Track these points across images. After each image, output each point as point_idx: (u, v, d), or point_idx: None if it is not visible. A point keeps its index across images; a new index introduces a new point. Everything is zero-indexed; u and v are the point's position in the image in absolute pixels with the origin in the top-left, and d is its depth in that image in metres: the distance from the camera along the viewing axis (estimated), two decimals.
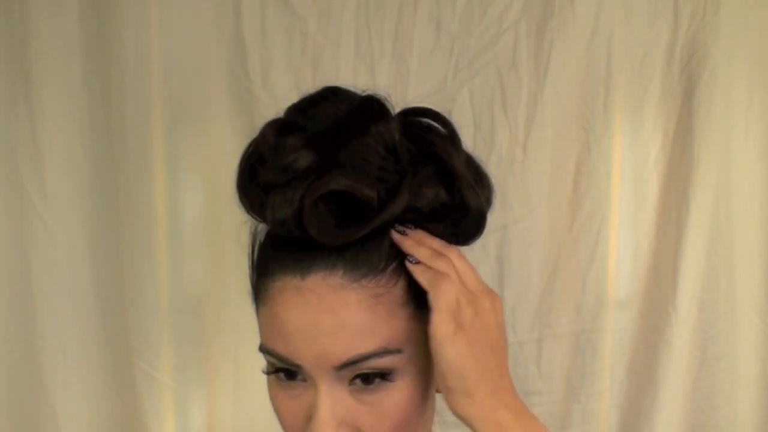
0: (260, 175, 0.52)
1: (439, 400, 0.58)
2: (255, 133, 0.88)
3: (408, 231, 0.53)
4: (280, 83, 0.88)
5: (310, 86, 0.87)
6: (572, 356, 0.93)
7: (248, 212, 0.55)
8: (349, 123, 0.54)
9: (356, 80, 0.87)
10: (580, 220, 0.91)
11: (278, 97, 0.87)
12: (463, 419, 0.51)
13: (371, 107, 0.55)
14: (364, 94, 0.56)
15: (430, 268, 0.52)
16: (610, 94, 0.90)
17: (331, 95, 0.56)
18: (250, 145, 0.57)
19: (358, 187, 0.50)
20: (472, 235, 0.57)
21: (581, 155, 0.91)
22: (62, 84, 0.86)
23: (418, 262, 0.52)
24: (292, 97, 0.87)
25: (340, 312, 0.51)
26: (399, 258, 0.54)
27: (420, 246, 0.53)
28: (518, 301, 0.91)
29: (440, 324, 0.50)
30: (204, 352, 0.91)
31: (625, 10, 0.89)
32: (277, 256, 0.53)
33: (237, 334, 0.90)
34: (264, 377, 0.94)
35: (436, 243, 0.54)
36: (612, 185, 0.91)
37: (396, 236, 0.53)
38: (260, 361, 0.95)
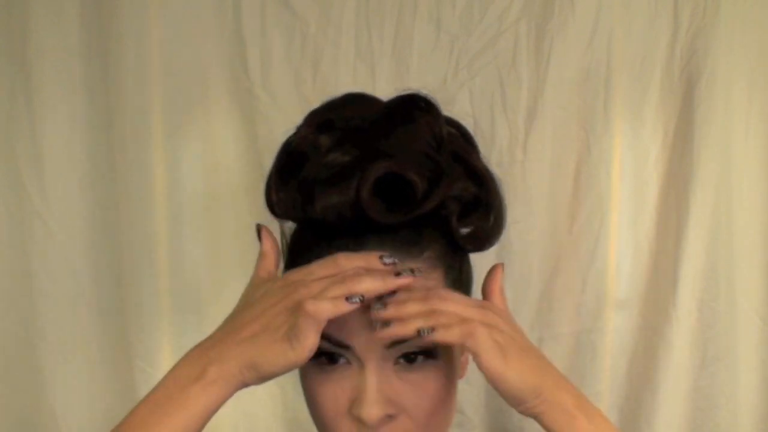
0: (304, 171, 0.56)
1: None
2: (255, 133, 0.89)
3: (385, 307, 0.53)
4: (280, 83, 0.88)
5: (310, 86, 0.88)
6: (572, 356, 0.93)
7: (277, 207, 0.57)
8: (394, 114, 0.58)
9: (356, 80, 0.87)
10: (580, 220, 0.91)
11: (278, 97, 0.88)
12: (537, 417, 0.55)
13: (417, 101, 0.59)
14: (406, 93, 0.59)
15: (442, 326, 0.52)
16: (610, 94, 0.90)
17: (359, 97, 0.61)
18: (286, 145, 0.59)
19: (406, 170, 0.54)
20: (497, 231, 0.60)
21: (581, 155, 0.91)
22: (62, 84, 0.86)
23: (432, 330, 0.52)
24: (292, 97, 0.88)
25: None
26: (437, 246, 0.57)
27: (408, 311, 0.53)
28: (518, 301, 0.91)
29: (493, 361, 0.52)
30: None
31: (625, 10, 0.89)
32: (326, 247, 0.56)
33: None
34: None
35: (418, 298, 0.53)
36: (612, 185, 0.91)
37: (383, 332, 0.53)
38: None
